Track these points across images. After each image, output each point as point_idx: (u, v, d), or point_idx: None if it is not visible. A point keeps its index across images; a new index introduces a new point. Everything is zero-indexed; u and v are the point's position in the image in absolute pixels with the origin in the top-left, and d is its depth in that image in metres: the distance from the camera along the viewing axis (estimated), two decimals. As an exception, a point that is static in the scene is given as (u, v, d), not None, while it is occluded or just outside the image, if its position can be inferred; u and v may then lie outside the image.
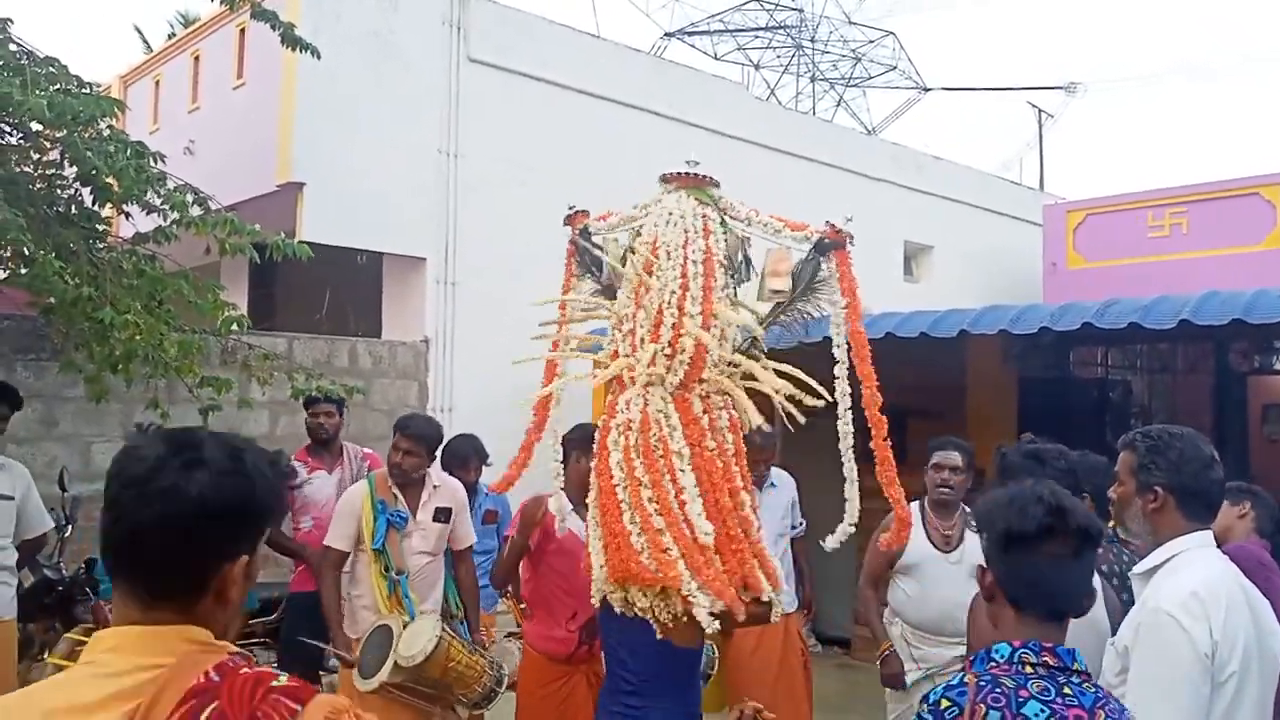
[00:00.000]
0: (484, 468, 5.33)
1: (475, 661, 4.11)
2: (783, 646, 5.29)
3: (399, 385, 8.94)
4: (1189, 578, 2.20)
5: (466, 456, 5.17)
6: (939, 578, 4.17)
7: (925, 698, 1.85)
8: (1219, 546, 2.41)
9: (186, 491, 1.25)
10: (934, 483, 4.27)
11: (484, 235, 9.30)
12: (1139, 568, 2.39)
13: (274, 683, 1.24)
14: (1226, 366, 10.67)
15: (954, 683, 1.82)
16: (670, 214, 3.27)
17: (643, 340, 3.15)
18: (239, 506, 1.29)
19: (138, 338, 4.73)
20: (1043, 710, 1.71)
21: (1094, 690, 1.78)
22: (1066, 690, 1.75)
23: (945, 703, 1.78)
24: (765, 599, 3.01)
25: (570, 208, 3.62)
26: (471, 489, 5.08)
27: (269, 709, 1.21)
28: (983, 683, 1.77)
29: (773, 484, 5.29)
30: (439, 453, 4.69)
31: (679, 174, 3.36)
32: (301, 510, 5.20)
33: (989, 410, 8.31)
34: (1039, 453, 3.25)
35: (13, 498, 4.50)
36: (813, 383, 3.16)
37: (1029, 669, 1.78)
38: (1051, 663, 1.78)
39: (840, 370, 3.28)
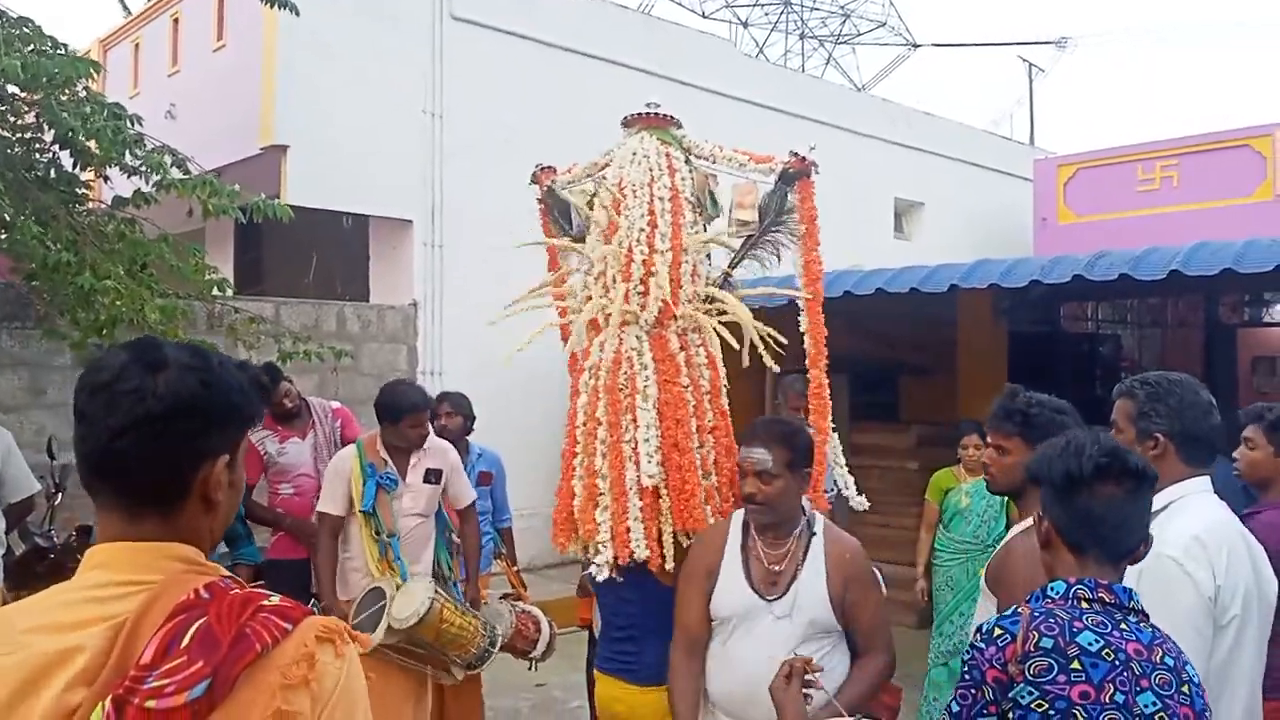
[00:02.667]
0: (467, 422, 5.29)
1: (468, 623, 4.13)
2: None
3: (388, 349, 8.89)
4: (1190, 522, 2.21)
5: (434, 407, 5.13)
6: (751, 636, 2.72)
7: (980, 627, 1.85)
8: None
9: (153, 389, 1.23)
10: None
11: (471, 197, 9.21)
12: None
13: (265, 601, 1.22)
14: (1216, 320, 10.72)
15: (1008, 614, 1.82)
16: (634, 154, 3.28)
17: (614, 279, 3.15)
18: (208, 401, 1.27)
19: (119, 303, 4.67)
20: (1097, 640, 1.71)
21: (1151, 629, 1.79)
22: (1123, 626, 1.75)
23: (998, 630, 1.78)
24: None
25: (537, 166, 3.60)
26: (463, 447, 5.08)
27: (259, 626, 1.17)
28: (1037, 613, 1.77)
29: None
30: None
31: (640, 115, 3.40)
32: (279, 478, 5.16)
33: (979, 366, 8.32)
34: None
35: None
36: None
37: (1084, 604, 1.78)
38: (1107, 599, 1.79)
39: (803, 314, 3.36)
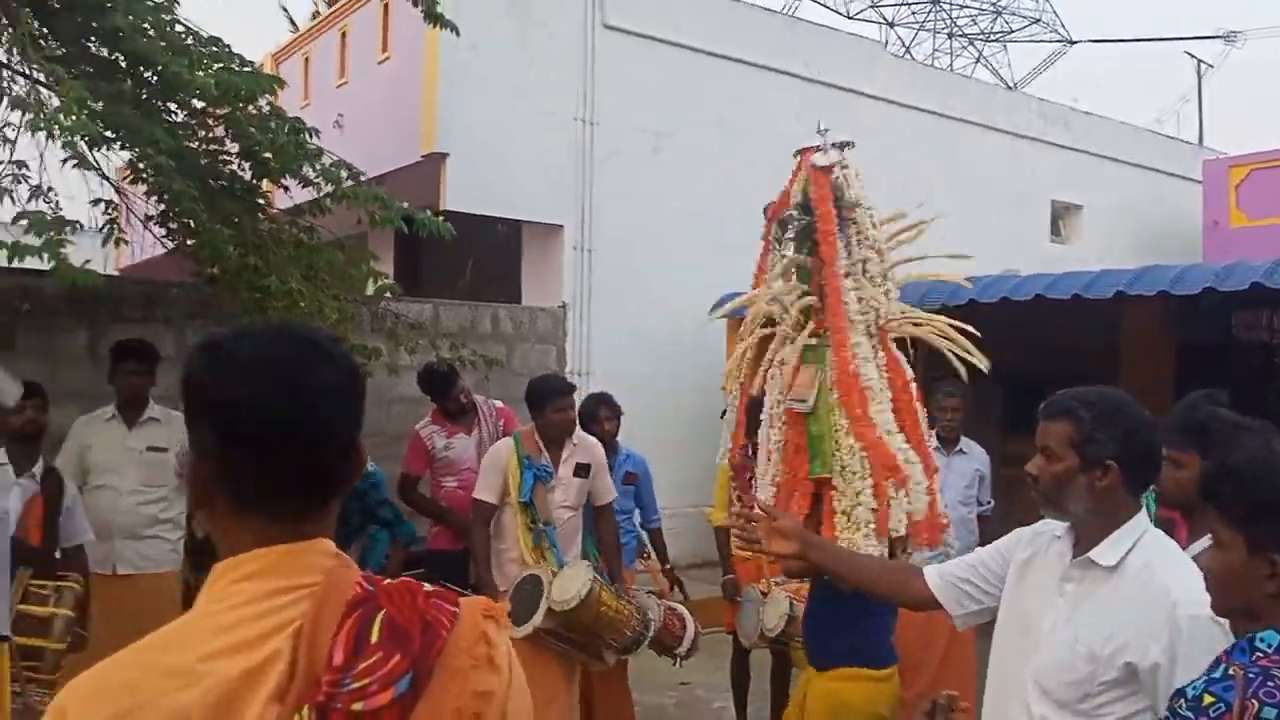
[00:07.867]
0: (619, 423, 5.39)
1: (624, 607, 4.23)
2: None
3: (539, 350, 9.14)
4: (1189, 569, 1.97)
5: (593, 410, 5.29)
6: None
7: (1182, 692, 1.61)
8: None
9: (348, 384, 1.20)
10: None
11: (619, 202, 9.38)
12: (1102, 558, 2.06)
13: (425, 587, 1.19)
14: (1407, 330, 9.93)
15: (1215, 676, 1.57)
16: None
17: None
18: (363, 388, 1.25)
19: (301, 304, 4.95)
20: None
21: None
22: None
23: (1208, 698, 1.54)
24: None
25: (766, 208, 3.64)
26: (612, 448, 5.18)
27: (434, 611, 1.14)
28: (1251, 674, 1.53)
29: (962, 450, 5.47)
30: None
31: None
32: (444, 471, 5.40)
33: (1144, 377, 7.95)
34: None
35: (168, 449, 4.60)
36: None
37: None
38: None
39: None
